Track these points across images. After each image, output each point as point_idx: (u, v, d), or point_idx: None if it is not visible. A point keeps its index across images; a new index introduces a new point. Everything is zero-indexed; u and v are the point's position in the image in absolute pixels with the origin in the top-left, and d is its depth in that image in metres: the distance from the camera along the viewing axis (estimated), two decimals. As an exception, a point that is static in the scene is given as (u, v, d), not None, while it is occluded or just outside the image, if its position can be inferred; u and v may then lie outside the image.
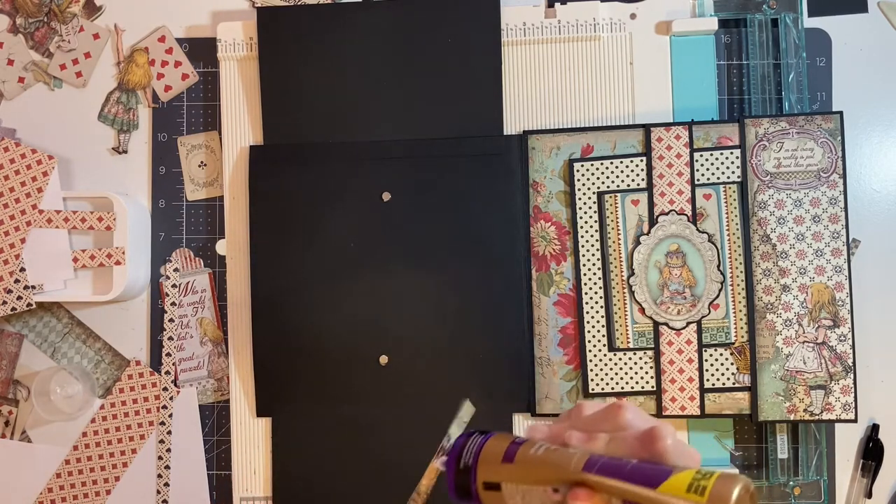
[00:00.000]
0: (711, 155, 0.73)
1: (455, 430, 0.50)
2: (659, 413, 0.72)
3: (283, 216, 0.76)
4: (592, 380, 0.73)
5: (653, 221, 0.73)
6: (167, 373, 0.78)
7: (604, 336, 0.73)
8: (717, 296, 0.72)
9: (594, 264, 0.73)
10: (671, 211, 0.73)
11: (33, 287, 0.76)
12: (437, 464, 0.48)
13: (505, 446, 0.45)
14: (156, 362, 0.79)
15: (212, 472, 0.78)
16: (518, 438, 0.46)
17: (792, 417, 0.71)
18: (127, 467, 0.78)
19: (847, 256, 0.71)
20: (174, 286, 0.79)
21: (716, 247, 0.72)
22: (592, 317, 0.73)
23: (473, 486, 0.45)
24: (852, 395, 0.71)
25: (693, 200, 0.73)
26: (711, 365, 0.72)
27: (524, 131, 0.75)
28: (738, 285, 0.72)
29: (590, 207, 0.74)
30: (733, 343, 0.72)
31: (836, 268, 0.71)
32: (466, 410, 0.51)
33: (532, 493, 0.44)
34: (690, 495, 0.39)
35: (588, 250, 0.74)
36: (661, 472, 0.41)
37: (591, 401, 0.50)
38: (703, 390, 0.72)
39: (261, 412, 0.76)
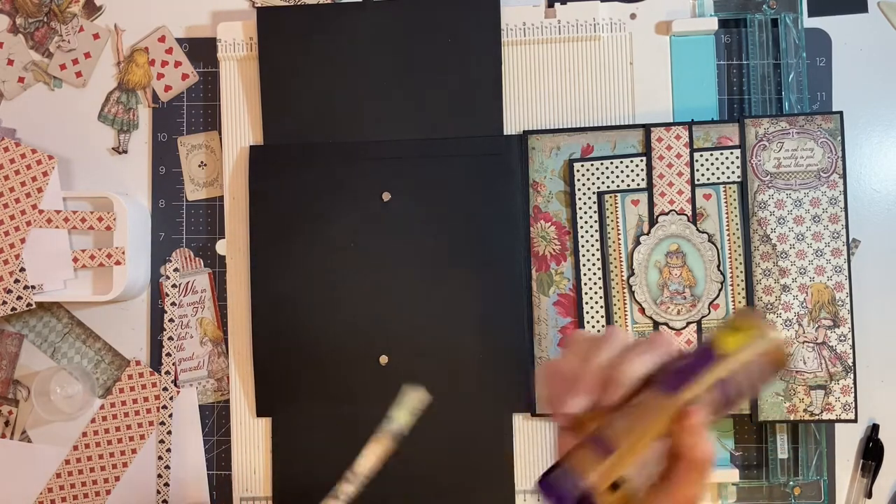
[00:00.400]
0: (711, 155, 0.73)
1: (402, 416, 0.49)
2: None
3: (283, 216, 0.76)
4: (592, 380, 0.73)
5: (653, 221, 0.73)
6: (167, 373, 0.78)
7: (604, 336, 0.73)
8: (717, 296, 0.72)
9: (594, 264, 0.73)
10: (671, 211, 0.73)
11: (33, 287, 0.76)
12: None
13: (587, 451, 0.43)
14: (156, 362, 0.79)
15: (212, 472, 0.78)
16: (590, 437, 0.43)
17: (792, 417, 0.71)
18: (127, 467, 0.78)
19: (847, 256, 0.71)
20: (174, 286, 0.79)
21: (716, 247, 0.72)
22: (592, 317, 0.73)
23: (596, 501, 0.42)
24: (852, 395, 0.71)
25: (693, 200, 0.73)
26: (711, 365, 0.72)
27: (524, 131, 0.75)
28: (738, 285, 0.72)
29: (590, 207, 0.74)
30: (733, 343, 0.72)
31: (836, 268, 0.71)
32: (414, 397, 0.49)
33: (645, 456, 0.43)
34: (747, 339, 0.44)
35: (588, 250, 0.74)
36: (706, 345, 0.44)
37: (580, 333, 0.49)
38: (703, 390, 0.72)
39: (261, 412, 0.76)
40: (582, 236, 0.74)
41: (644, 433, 0.43)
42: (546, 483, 0.43)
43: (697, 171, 0.73)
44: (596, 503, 0.42)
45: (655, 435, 0.43)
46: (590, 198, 0.74)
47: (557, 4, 0.77)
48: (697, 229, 0.72)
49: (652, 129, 0.73)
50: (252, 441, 0.77)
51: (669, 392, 0.43)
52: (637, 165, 0.73)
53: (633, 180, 0.73)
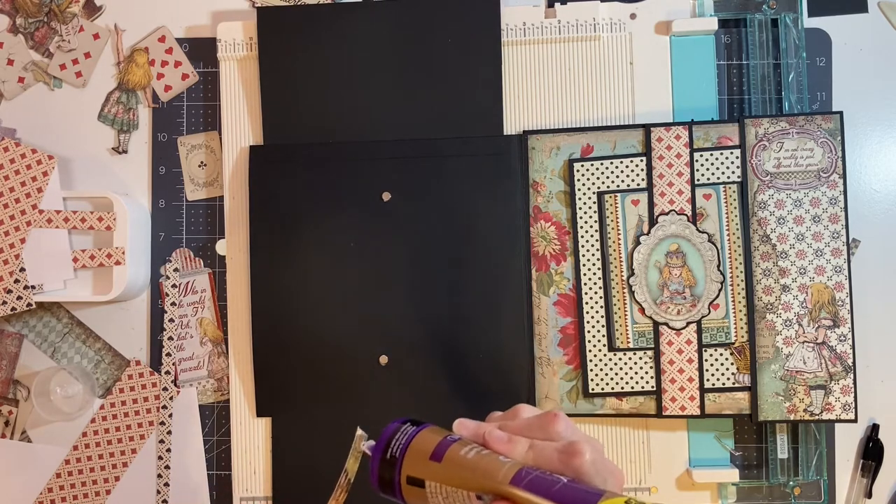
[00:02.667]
0: (711, 155, 0.73)
1: (352, 465, 0.48)
2: (659, 413, 0.72)
3: (283, 216, 0.76)
4: (592, 380, 0.73)
5: (653, 221, 0.73)
6: (167, 373, 0.78)
7: (604, 336, 0.73)
8: (717, 296, 0.72)
9: (594, 264, 0.73)
10: (671, 211, 0.73)
11: (33, 287, 0.76)
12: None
13: (436, 442, 0.44)
14: (156, 362, 0.79)
15: (212, 472, 0.78)
16: (450, 436, 0.45)
17: (792, 417, 0.71)
18: (127, 467, 0.78)
19: (847, 256, 0.71)
20: (174, 286, 0.79)
21: (716, 247, 0.72)
22: (592, 317, 0.73)
23: (397, 478, 0.44)
24: (852, 395, 0.71)
25: (693, 200, 0.73)
26: (711, 365, 0.72)
27: (524, 131, 0.75)
28: (738, 285, 0.72)
29: (590, 207, 0.74)
30: (733, 343, 0.72)
31: (836, 268, 0.71)
32: (359, 440, 0.49)
33: (455, 495, 0.43)
34: None
35: (588, 250, 0.74)
36: (590, 495, 0.40)
37: (530, 406, 0.49)
38: (703, 390, 0.72)
39: (261, 412, 0.76)
40: (582, 236, 0.74)
41: (467, 475, 0.42)
42: (397, 424, 0.45)
43: (697, 171, 0.73)
44: (398, 475, 0.44)
45: (473, 487, 0.42)
46: (590, 198, 0.74)
47: (557, 4, 0.77)
48: (697, 229, 0.72)
49: (652, 129, 0.73)
50: (252, 441, 0.77)
51: (518, 481, 0.41)
52: (637, 165, 0.73)
53: (633, 180, 0.73)
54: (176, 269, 0.79)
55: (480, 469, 0.42)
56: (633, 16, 0.76)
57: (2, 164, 0.76)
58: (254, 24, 0.77)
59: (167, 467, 0.78)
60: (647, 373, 0.72)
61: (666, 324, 0.72)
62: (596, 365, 0.73)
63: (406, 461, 0.44)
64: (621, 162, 0.73)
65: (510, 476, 0.41)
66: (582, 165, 0.74)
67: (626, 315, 0.73)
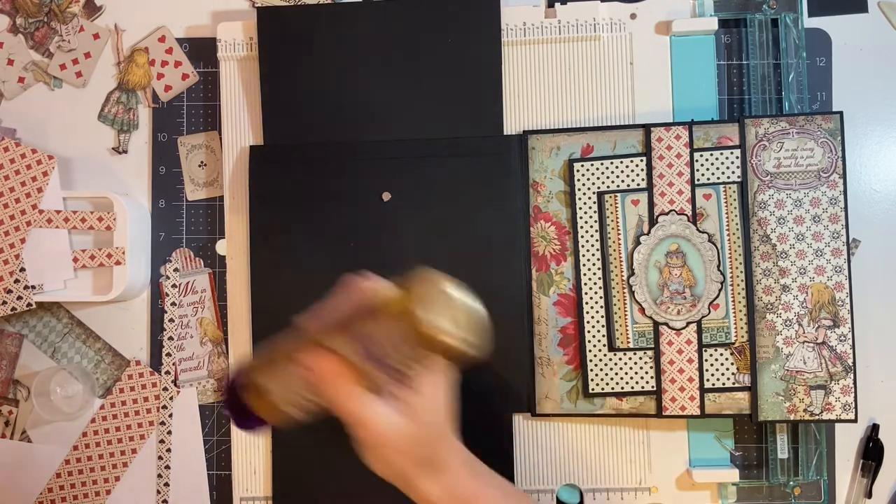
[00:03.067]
0: (711, 155, 0.73)
1: None
2: (659, 413, 0.72)
3: (283, 216, 0.75)
4: (592, 380, 0.73)
5: (653, 221, 0.73)
6: (167, 373, 0.78)
7: (604, 336, 0.73)
8: (717, 296, 0.72)
9: (594, 264, 0.73)
10: (671, 211, 0.73)
11: (33, 287, 0.76)
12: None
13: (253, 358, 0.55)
14: (156, 362, 0.79)
15: (212, 472, 0.78)
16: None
17: (792, 417, 0.71)
18: (127, 467, 0.78)
19: (847, 256, 0.71)
20: (174, 286, 0.79)
21: (716, 247, 0.72)
22: (592, 317, 0.73)
23: (243, 398, 0.53)
24: (852, 395, 0.71)
25: (693, 200, 0.73)
26: (711, 365, 0.72)
27: (524, 131, 0.75)
28: (738, 285, 0.72)
29: (590, 207, 0.74)
30: (733, 343, 0.72)
31: (836, 268, 0.71)
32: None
33: (286, 376, 0.52)
34: (398, 298, 0.47)
35: (588, 250, 0.74)
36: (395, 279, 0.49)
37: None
38: (703, 390, 0.72)
39: (261, 412, 0.76)
40: (582, 236, 0.74)
41: (279, 352, 0.52)
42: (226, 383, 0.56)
43: (697, 171, 0.73)
44: (242, 395, 0.54)
45: (287, 357, 0.51)
46: (590, 198, 0.74)
47: (557, 4, 0.77)
48: (697, 229, 0.72)
49: (652, 129, 0.73)
50: (252, 441, 0.77)
51: (315, 329, 0.50)
52: (637, 165, 0.73)
53: (633, 180, 0.73)
54: (176, 269, 0.79)
55: (290, 340, 0.52)
56: (633, 16, 0.76)
57: (2, 164, 0.76)
58: (254, 24, 0.77)
59: (167, 467, 0.78)
60: (647, 373, 0.72)
61: (666, 324, 0.72)
62: (596, 365, 0.73)
63: (238, 378, 0.54)
64: (621, 162, 0.73)
65: (313, 330, 0.50)
66: (582, 165, 0.74)
67: (626, 315, 0.73)
